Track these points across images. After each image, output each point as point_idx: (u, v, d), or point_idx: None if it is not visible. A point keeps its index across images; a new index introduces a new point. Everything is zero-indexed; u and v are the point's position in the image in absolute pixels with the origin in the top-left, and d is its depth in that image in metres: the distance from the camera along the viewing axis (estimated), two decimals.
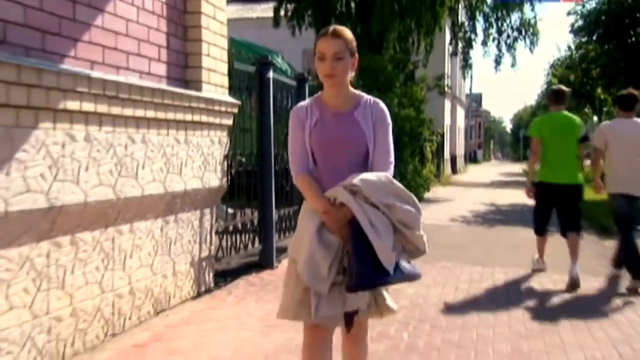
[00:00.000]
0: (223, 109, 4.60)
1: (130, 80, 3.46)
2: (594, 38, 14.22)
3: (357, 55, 2.44)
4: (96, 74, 3.19)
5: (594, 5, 13.87)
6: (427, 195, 14.74)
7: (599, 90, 17.34)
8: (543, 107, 35.17)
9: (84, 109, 3.12)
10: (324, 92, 2.48)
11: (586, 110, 27.48)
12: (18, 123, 2.77)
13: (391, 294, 2.48)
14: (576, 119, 5.75)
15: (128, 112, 3.42)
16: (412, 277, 2.35)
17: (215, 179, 4.60)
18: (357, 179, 2.28)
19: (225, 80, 4.68)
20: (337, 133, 2.39)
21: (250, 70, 5.36)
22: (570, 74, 18.29)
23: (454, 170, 28.80)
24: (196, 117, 4.21)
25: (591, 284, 5.35)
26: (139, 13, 3.71)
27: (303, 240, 2.35)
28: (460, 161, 32.73)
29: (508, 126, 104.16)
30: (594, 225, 9.73)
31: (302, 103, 2.55)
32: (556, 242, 6.41)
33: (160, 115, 3.75)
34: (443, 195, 15.71)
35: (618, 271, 5.50)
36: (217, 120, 4.57)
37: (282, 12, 17.30)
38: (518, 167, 9.64)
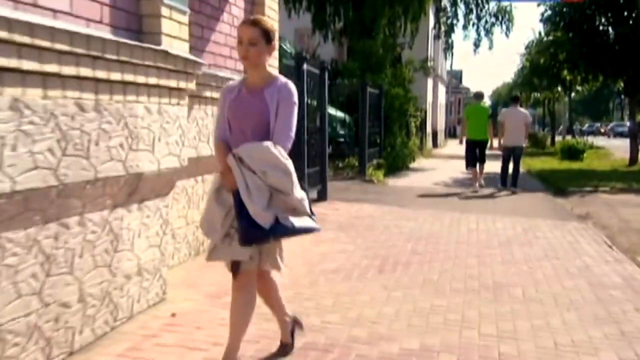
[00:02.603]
0: None
1: None
2: (560, 26, 16.16)
3: (274, 42, 2.66)
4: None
5: None
6: (412, 165, 16.68)
7: (565, 72, 19.44)
8: (520, 85, 37.00)
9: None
10: (247, 73, 2.75)
11: (558, 89, 29.59)
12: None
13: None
14: (486, 107, 11.40)
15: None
16: (302, 231, 2.58)
17: None
18: (240, 148, 2.54)
19: None
20: (247, 107, 2.63)
21: (291, 64, 7.19)
22: (541, 57, 20.31)
23: (435, 144, 30.79)
24: None
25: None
26: None
27: (207, 197, 2.72)
28: (440, 136, 34.75)
29: (488, 102, 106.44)
30: (551, 187, 11.82)
31: (232, 82, 2.83)
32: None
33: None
34: (426, 165, 17.66)
35: (503, 187, 10.88)
36: None
37: None
38: (495, 142, 11.20)
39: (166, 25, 3.44)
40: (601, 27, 15.90)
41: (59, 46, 2.52)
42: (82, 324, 2.92)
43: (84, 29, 2.80)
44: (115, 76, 2.96)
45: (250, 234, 2.46)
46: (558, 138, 33.04)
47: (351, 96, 14.33)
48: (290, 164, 2.53)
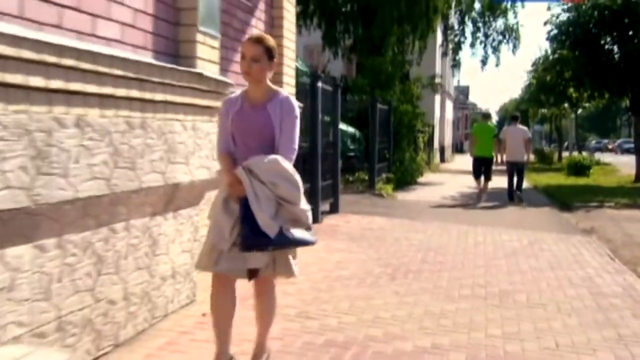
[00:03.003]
0: None
1: None
2: (566, 45, 16.50)
3: (275, 59, 2.77)
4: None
5: (566, 17, 16.16)
6: (420, 179, 16.96)
7: (571, 89, 19.75)
8: (527, 101, 37.27)
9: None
10: (248, 87, 2.82)
11: (565, 106, 29.87)
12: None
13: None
14: (492, 126, 12.11)
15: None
16: (301, 243, 2.67)
17: None
18: (251, 160, 2.62)
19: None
20: (250, 121, 2.72)
21: (307, 82, 7.55)
22: (547, 74, 20.65)
23: (442, 159, 31.08)
24: None
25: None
26: None
27: (215, 207, 2.78)
28: (448, 151, 35.05)
29: (495, 118, 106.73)
30: (557, 202, 12.07)
31: (231, 95, 2.91)
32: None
33: None
34: (434, 180, 17.94)
35: (511, 202, 11.45)
36: None
37: None
38: (499, 160, 11.78)
39: (200, 50, 3.79)
40: (606, 46, 16.22)
41: (115, 71, 2.86)
42: (126, 320, 3.23)
43: (134, 55, 3.15)
44: (159, 97, 3.30)
45: (251, 240, 2.55)
46: (565, 154, 33.26)
47: (361, 112, 14.68)
48: (298, 177, 2.65)
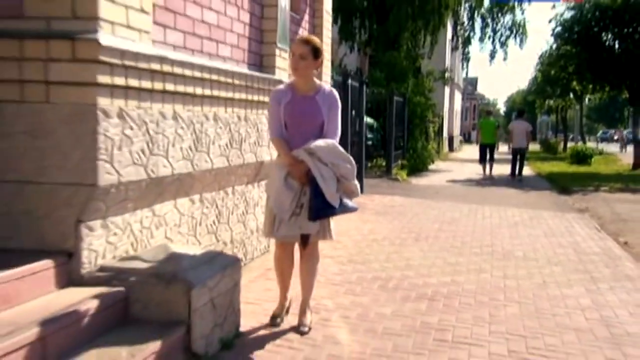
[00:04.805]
0: None
1: None
2: (569, 41, 17.63)
3: (321, 57, 3.18)
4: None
5: (570, 15, 17.29)
6: (431, 167, 18.16)
7: (574, 82, 20.90)
8: (533, 92, 38.16)
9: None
10: (294, 80, 3.28)
11: (571, 96, 30.90)
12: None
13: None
14: (493, 121, 15.97)
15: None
16: (352, 209, 3.23)
17: None
18: (314, 144, 3.05)
19: None
20: (302, 110, 3.16)
21: (339, 80, 8.77)
22: (552, 69, 21.77)
23: (451, 148, 32.22)
24: None
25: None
26: None
27: (274, 183, 3.22)
28: (456, 140, 36.17)
29: (502, 109, 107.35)
30: (557, 187, 13.27)
31: (279, 87, 3.36)
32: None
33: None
34: (443, 167, 19.11)
35: (512, 178, 14.32)
36: None
37: None
38: (507, 148, 13.79)
39: (278, 61, 5.03)
40: (607, 43, 17.31)
41: (235, 81, 4.11)
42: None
43: (244, 69, 4.40)
44: (255, 97, 4.55)
45: (322, 211, 3.09)
46: (572, 144, 34.33)
47: (379, 103, 15.86)
48: (351, 158, 3.18)
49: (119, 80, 2.85)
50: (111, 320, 2.66)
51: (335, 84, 8.56)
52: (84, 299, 2.60)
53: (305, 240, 3.34)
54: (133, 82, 2.95)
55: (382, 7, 19.25)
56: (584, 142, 34.24)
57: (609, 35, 17.22)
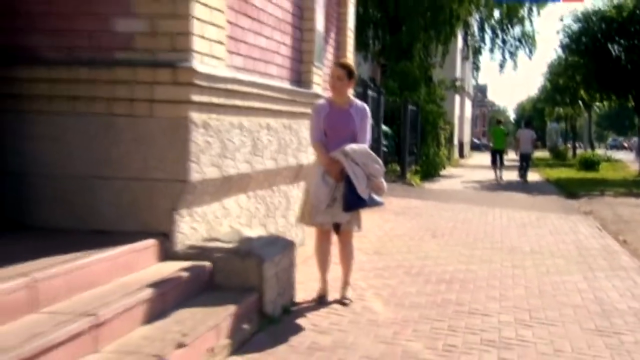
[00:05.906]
0: None
1: None
2: (577, 52, 18.30)
3: (354, 77, 4.00)
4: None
5: (577, 27, 17.98)
6: (442, 172, 18.85)
7: (581, 91, 21.54)
8: (543, 100, 38.69)
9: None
10: (332, 96, 4.05)
11: (580, 104, 31.46)
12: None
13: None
14: (503, 129, 18.20)
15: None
16: (379, 204, 3.98)
17: None
18: (349, 147, 3.77)
19: None
20: (340, 121, 3.90)
21: (359, 91, 9.51)
22: (560, 78, 22.43)
23: (461, 155, 32.88)
24: None
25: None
26: None
27: (313, 179, 3.92)
28: (466, 147, 36.81)
29: (512, 116, 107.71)
30: (564, 191, 13.92)
31: (320, 101, 4.16)
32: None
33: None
34: (455, 173, 19.80)
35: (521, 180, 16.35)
36: None
37: None
38: (510, 152, 15.39)
39: (314, 77, 5.78)
40: (613, 54, 17.96)
41: (282, 96, 4.86)
42: None
43: (290, 85, 5.16)
44: (297, 109, 5.30)
45: (354, 203, 3.78)
46: (581, 151, 34.86)
47: (393, 111, 16.58)
48: (379, 160, 3.92)
49: (205, 98, 3.60)
50: (201, 286, 3.40)
51: (355, 95, 9.30)
52: (181, 269, 3.34)
53: (337, 228, 4.08)
54: (214, 99, 3.71)
55: (395, 18, 19.97)
56: (593, 150, 34.74)
57: (615, 47, 17.86)
